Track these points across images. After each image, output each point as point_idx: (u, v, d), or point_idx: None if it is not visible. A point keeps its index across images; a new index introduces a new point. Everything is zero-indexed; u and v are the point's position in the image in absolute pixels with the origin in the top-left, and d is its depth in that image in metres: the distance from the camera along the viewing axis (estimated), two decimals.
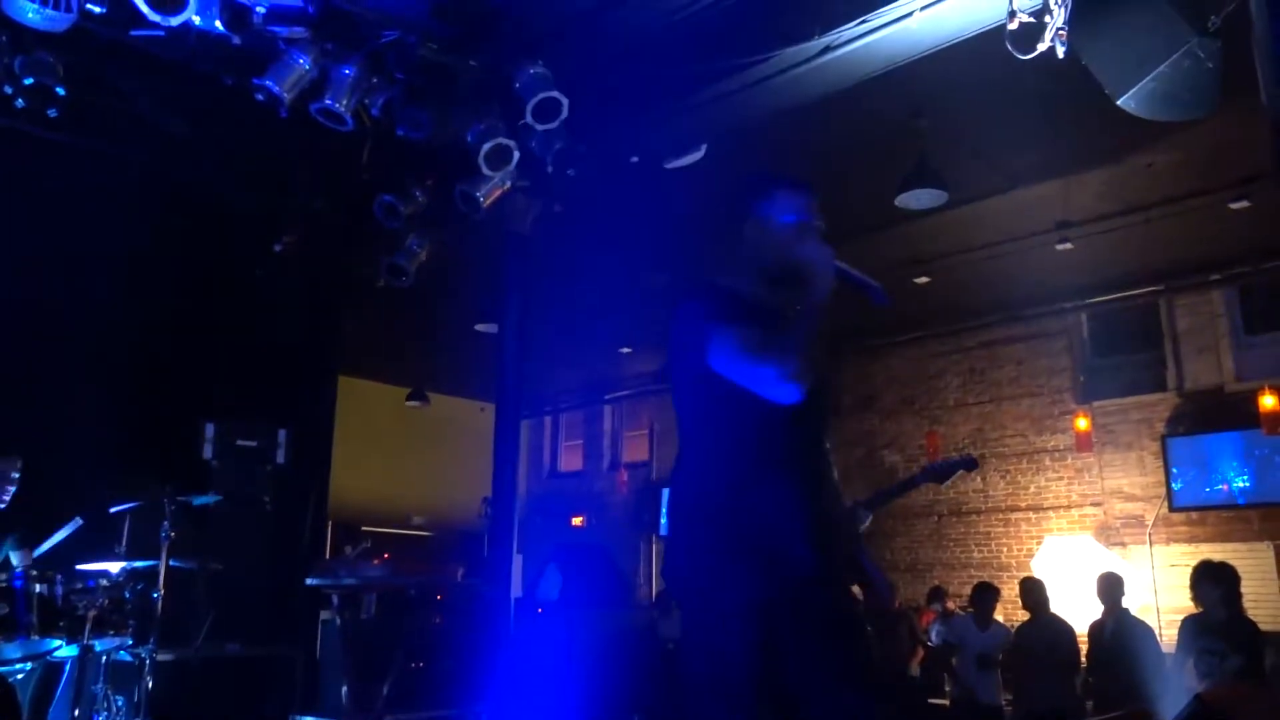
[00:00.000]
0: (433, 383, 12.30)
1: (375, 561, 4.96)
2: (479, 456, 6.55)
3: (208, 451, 5.30)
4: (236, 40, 4.03)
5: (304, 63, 4.22)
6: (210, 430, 5.34)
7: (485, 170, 4.65)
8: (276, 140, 5.17)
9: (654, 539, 12.51)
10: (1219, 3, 3.59)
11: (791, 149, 5.81)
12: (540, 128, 4.48)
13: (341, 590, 4.86)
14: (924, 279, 8.07)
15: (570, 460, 15.24)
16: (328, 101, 4.32)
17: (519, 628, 6.37)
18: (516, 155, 4.65)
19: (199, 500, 4.39)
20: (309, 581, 4.92)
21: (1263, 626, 5.70)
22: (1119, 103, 3.80)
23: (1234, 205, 6.67)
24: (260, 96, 4.24)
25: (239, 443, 5.39)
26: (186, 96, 4.93)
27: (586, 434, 14.86)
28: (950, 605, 8.58)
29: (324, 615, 5.19)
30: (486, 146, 4.57)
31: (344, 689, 4.58)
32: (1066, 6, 3.23)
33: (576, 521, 13.87)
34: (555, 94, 4.35)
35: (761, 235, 2.34)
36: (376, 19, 4.28)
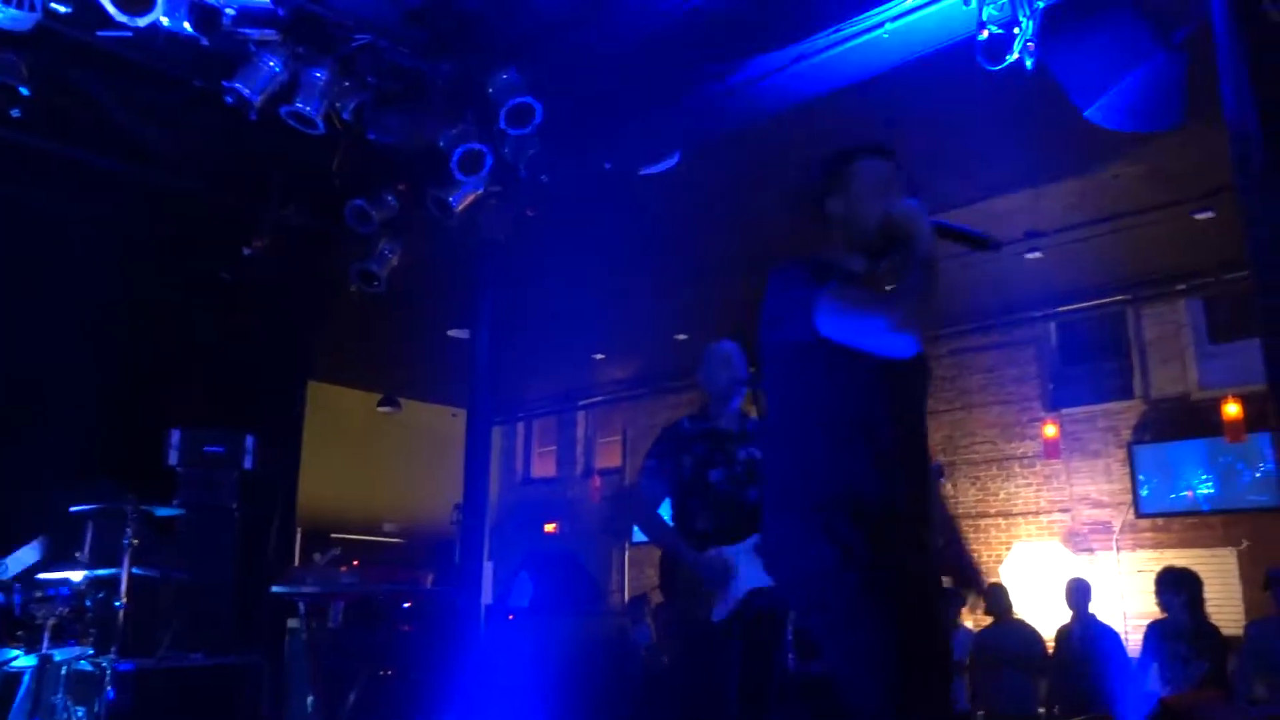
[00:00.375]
0: (404, 388, 12.22)
1: (343, 569, 4.91)
2: (451, 463, 6.52)
3: (173, 458, 5.22)
4: (205, 42, 3.99)
5: (274, 65, 4.19)
6: (176, 437, 5.27)
7: (458, 175, 4.64)
8: (247, 144, 5.12)
9: (626, 546, 12.49)
10: (1184, 18, 3.66)
11: (765, 157, 5.84)
12: (513, 133, 4.48)
13: (308, 598, 4.80)
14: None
15: (543, 466, 15.18)
16: (298, 105, 4.28)
17: (489, 635, 6.34)
18: (489, 161, 4.64)
19: (162, 511, 4.33)
20: (274, 589, 4.86)
21: (1225, 631, 5.78)
22: (1086, 114, 3.85)
23: (1199, 217, 6.77)
24: (230, 99, 4.20)
25: (206, 449, 5.32)
26: (155, 99, 4.88)
27: (559, 440, 14.82)
28: None
29: (291, 624, 5.13)
30: (459, 152, 4.55)
31: (309, 699, 4.52)
32: (1035, 19, 3.27)
33: (549, 528, 13.82)
34: (528, 99, 4.34)
35: (849, 206, 2.27)
36: (348, 23, 4.26)
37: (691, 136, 4.79)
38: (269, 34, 4.13)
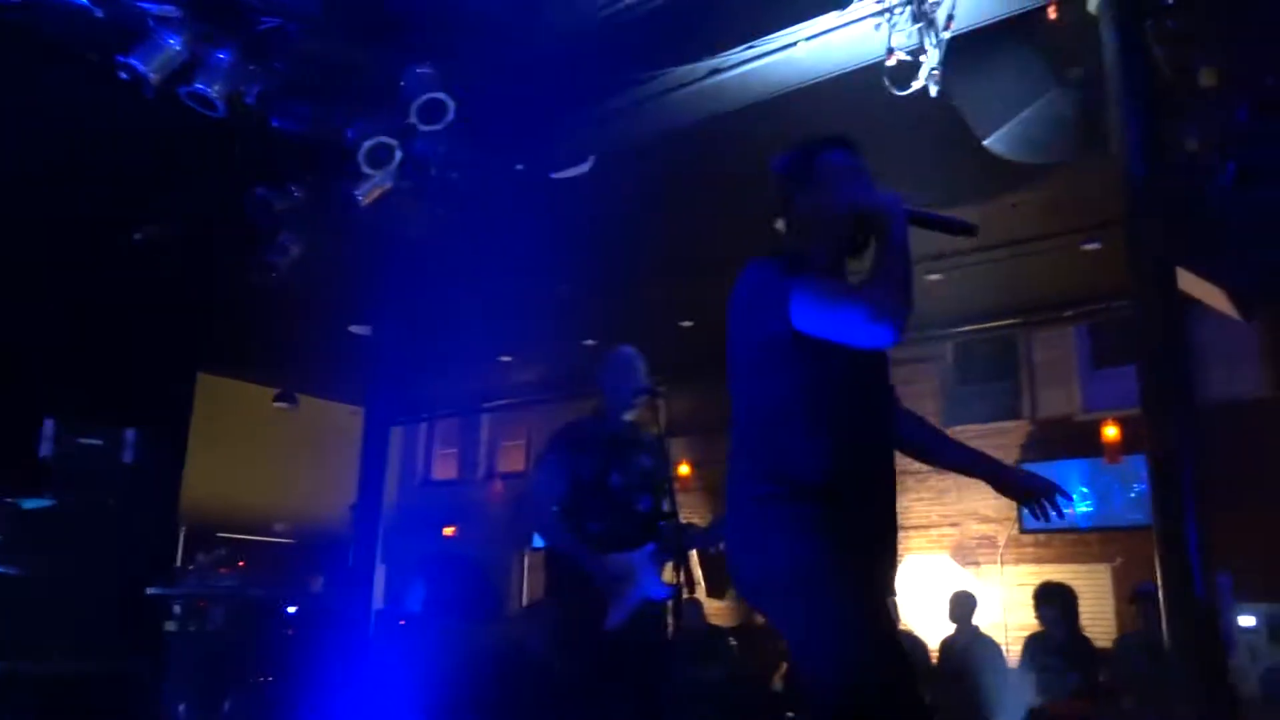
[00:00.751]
0: (302, 384, 11.85)
1: (224, 570, 4.73)
2: (348, 462, 6.37)
3: (46, 450, 4.94)
4: (99, 13, 3.81)
5: (174, 44, 4.01)
6: (49, 427, 4.99)
7: (366, 169, 4.53)
8: (142, 123, 4.89)
9: (527, 551, 12.38)
10: (1079, 55, 3.83)
11: (679, 168, 5.87)
12: (425, 129, 4.39)
13: (186, 600, 4.61)
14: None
15: (444, 469, 14.96)
16: (198, 86, 4.12)
17: (379, 642, 6.19)
18: (399, 156, 4.54)
19: (29, 503, 4.10)
20: (150, 591, 4.65)
21: (1099, 644, 6.05)
22: (985, 143, 4.00)
23: (1087, 247, 7.10)
24: (125, 75, 4.01)
25: (81, 441, 5.05)
26: (42, 73, 4.63)
27: (462, 442, 14.62)
28: None
29: (169, 627, 4.91)
30: (367, 144, 4.45)
31: (181, 706, 4.34)
32: (941, 48, 3.37)
33: (448, 532, 13.61)
34: (441, 96, 4.27)
35: (817, 199, 2.22)
36: (257, 4, 4.12)
37: (605, 143, 4.78)
38: (169, 10, 3.96)
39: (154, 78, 4.00)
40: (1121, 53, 3.43)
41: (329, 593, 5.83)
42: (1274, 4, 3.53)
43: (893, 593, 2.12)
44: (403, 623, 7.20)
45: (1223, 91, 3.51)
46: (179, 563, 6.38)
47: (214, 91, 4.13)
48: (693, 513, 10.90)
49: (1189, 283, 3.41)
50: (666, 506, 3.71)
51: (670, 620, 3.55)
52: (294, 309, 8.46)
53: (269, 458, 12.12)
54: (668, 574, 3.55)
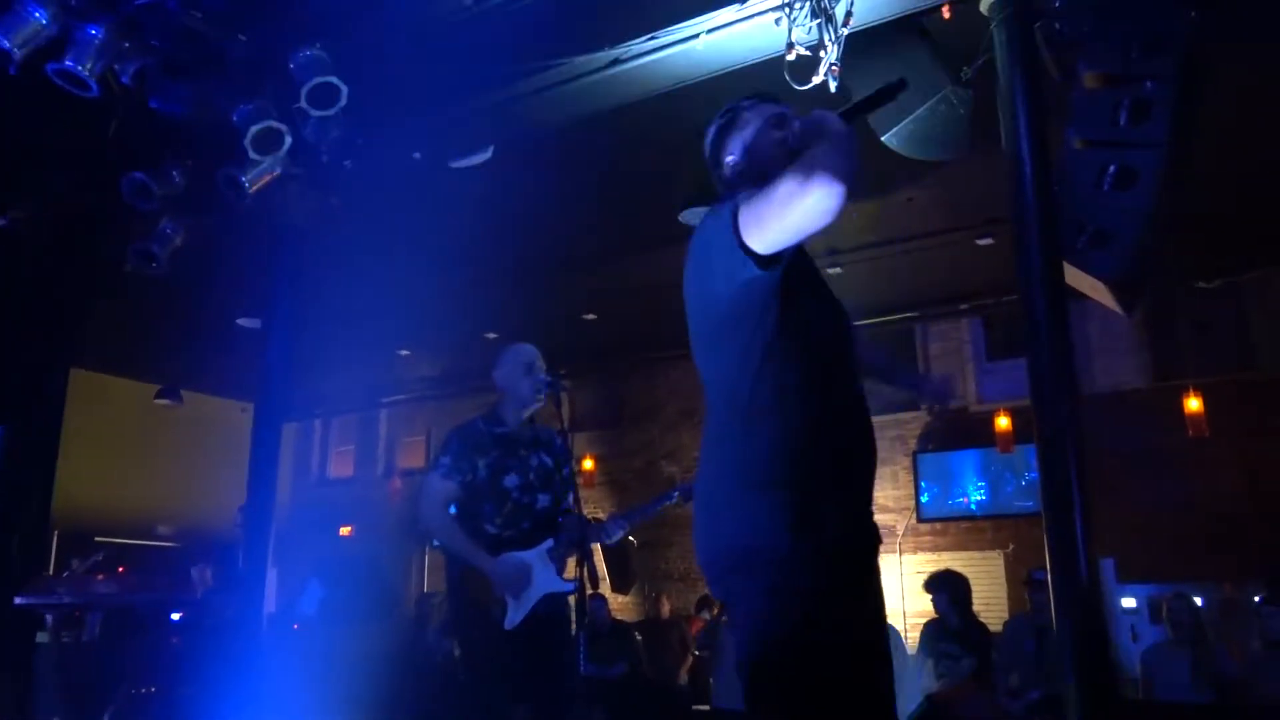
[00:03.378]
0: (187, 380, 11.43)
1: (101, 576, 4.52)
2: (237, 461, 6.14)
3: None
4: None
5: (40, 18, 3.80)
6: None
7: (252, 154, 4.37)
8: (6, 101, 4.63)
9: (427, 550, 12.21)
10: (972, 55, 3.97)
11: (581, 158, 5.87)
12: (316, 114, 4.26)
13: (58, 609, 4.39)
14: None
15: (340, 467, 14.63)
16: (68, 63, 3.91)
17: (271, 646, 6.02)
18: (289, 141, 4.40)
19: None
20: (19, 601, 4.41)
21: (993, 628, 6.30)
22: (882, 139, 4.11)
23: (980, 242, 7.37)
24: None
25: None
26: None
27: (360, 439, 14.33)
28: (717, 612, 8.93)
29: (40, 638, 4.67)
30: (254, 129, 4.29)
31: None
32: (839, 44, 3.45)
33: (344, 531, 13.32)
34: (333, 79, 4.15)
35: (752, 155, 2.13)
36: None
37: (505, 132, 4.74)
38: None
39: (18, 53, 3.79)
40: (1012, 53, 3.57)
41: (218, 598, 5.61)
42: (1153, 11, 3.73)
43: (878, 581, 2.02)
44: (296, 627, 7.01)
45: (1105, 94, 3.68)
46: (51, 570, 6.08)
47: (85, 70, 3.92)
48: (597, 507, 10.93)
49: (1075, 277, 3.57)
50: (570, 503, 3.72)
51: (574, 617, 3.56)
52: (177, 301, 8.14)
53: (151, 457, 11.65)
54: (571, 570, 3.55)
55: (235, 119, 4.34)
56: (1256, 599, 5.47)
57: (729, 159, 2.18)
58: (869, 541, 2.03)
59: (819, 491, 1.88)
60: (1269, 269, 8.29)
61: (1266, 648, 5.22)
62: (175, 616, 5.18)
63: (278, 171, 4.75)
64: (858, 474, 2.01)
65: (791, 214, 1.78)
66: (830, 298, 2.14)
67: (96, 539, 10.25)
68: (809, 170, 1.77)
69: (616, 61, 3.96)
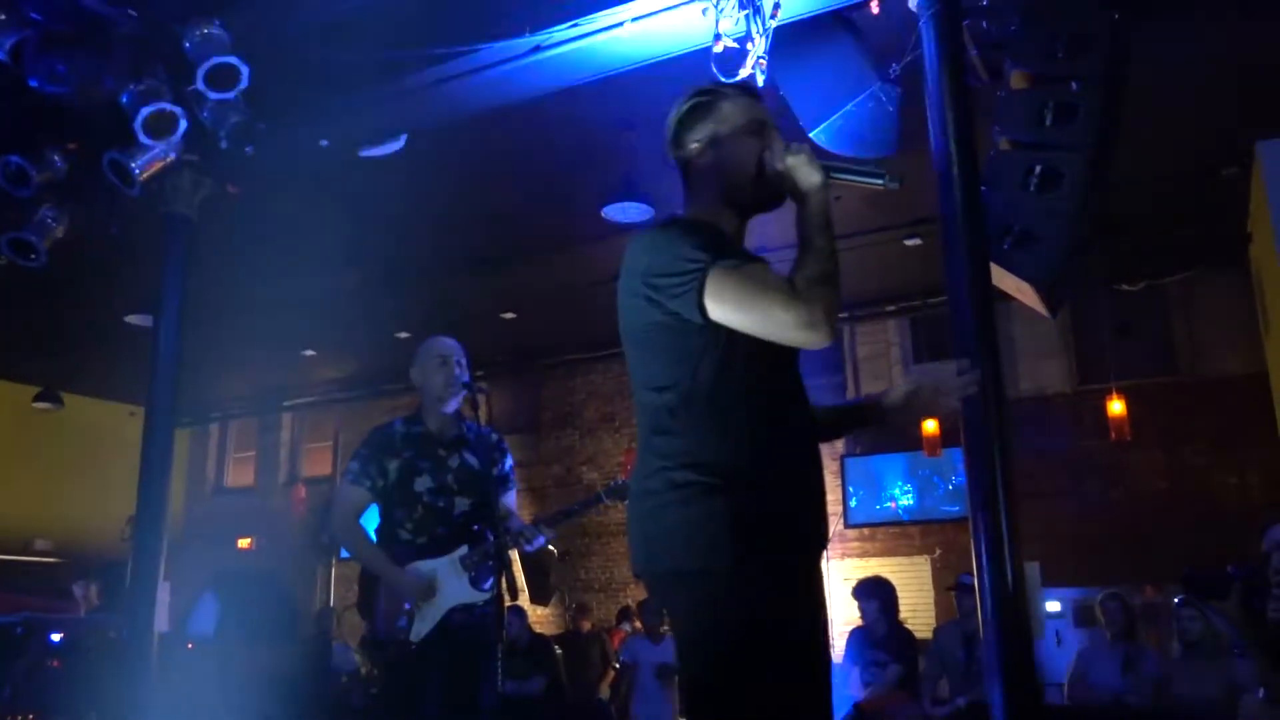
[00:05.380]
0: (69, 382, 11.03)
1: None
2: (126, 469, 5.92)
3: None
4: None
5: None
6: None
7: (143, 139, 4.22)
8: None
9: (334, 562, 11.97)
10: (900, 51, 4.06)
11: (499, 149, 5.83)
12: (214, 96, 4.14)
13: None
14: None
15: (240, 474, 14.25)
16: None
17: (163, 668, 5.82)
18: (184, 125, 4.27)
19: None
20: None
21: (920, 634, 6.46)
22: (810, 135, 4.17)
23: (908, 243, 7.56)
24: None
25: None
26: None
27: (260, 445, 13.98)
28: (638, 624, 8.95)
29: None
30: (146, 111, 4.15)
31: None
32: (768, 37, 3.49)
33: (243, 544, 12.98)
34: (233, 60, 4.04)
35: (720, 152, 2.06)
36: None
37: (419, 120, 4.67)
38: None
39: None
40: (939, 51, 3.66)
41: (104, 617, 5.40)
42: (1077, 12, 3.86)
43: (820, 585, 2.02)
44: (191, 646, 6.80)
45: (1030, 95, 3.81)
46: None
47: None
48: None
49: (1000, 278, 3.68)
50: (508, 504, 3.66)
51: (495, 628, 3.51)
52: (59, 296, 7.84)
53: (29, 465, 11.20)
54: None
55: (124, 100, 4.19)
56: (1176, 600, 5.70)
57: (693, 144, 2.10)
58: (814, 545, 2.01)
59: (764, 493, 1.85)
60: (1190, 272, 8.69)
61: (1185, 648, 5.43)
62: (55, 638, 4.98)
63: (171, 158, 4.61)
64: (803, 475, 1.98)
65: (767, 327, 1.84)
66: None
67: None
68: (808, 312, 1.81)
69: (538, 49, 3.94)
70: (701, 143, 2.09)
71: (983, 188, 3.58)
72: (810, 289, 1.85)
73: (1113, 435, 8.30)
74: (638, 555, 1.95)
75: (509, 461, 3.76)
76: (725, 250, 1.92)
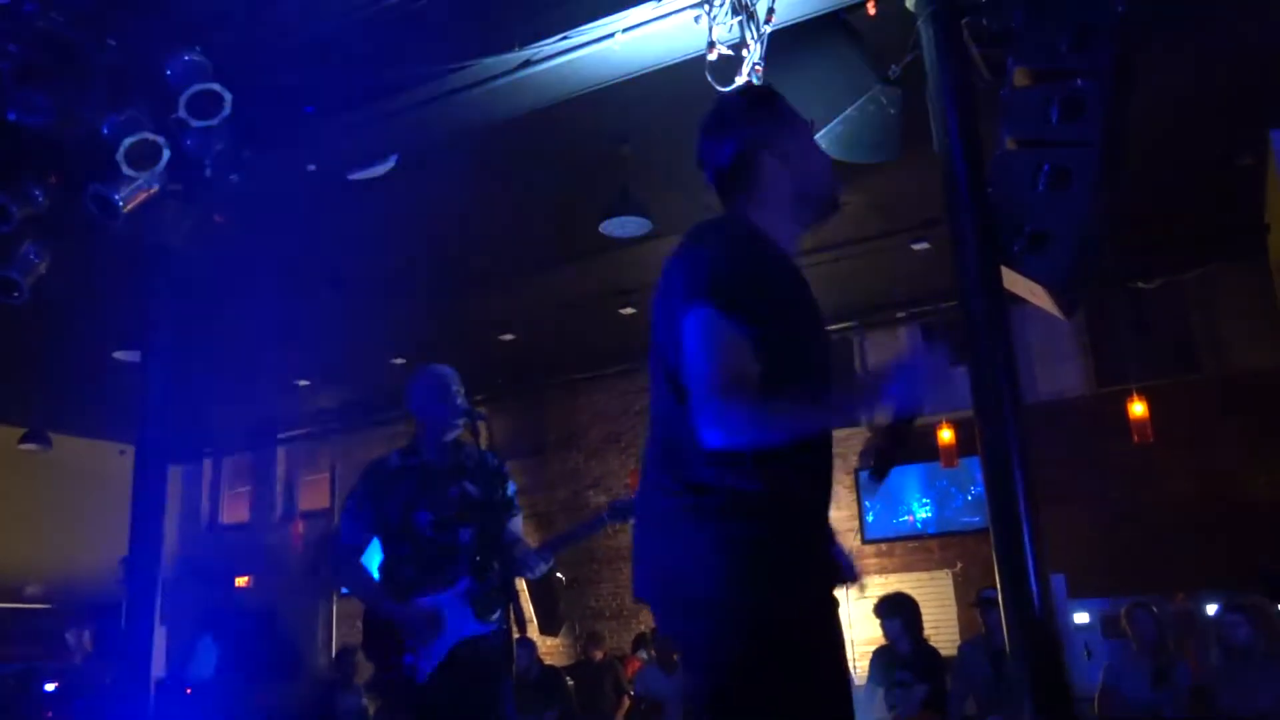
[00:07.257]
0: (57, 421, 11.03)
1: None
2: (117, 510, 5.92)
3: None
4: None
5: None
6: None
7: (126, 170, 4.25)
8: None
9: (335, 598, 11.94)
10: (899, 52, 4.07)
11: (492, 166, 5.85)
12: (197, 124, 4.18)
13: None
14: (630, 310, 8.38)
15: (235, 511, 14.23)
16: None
17: (161, 714, 5.81)
18: (167, 154, 4.29)
19: None
20: None
21: (944, 650, 6.42)
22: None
23: (916, 247, 7.56)
24: None
25: None
26: None
27: (255, 480, 13.96)
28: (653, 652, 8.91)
29: None
30: (128, 142, 4.18)
31: None
32: (762, 42, 3.51)
33: (241, 582, 12.95)
34: (215, 86, 4.07)
35: (790, 162, 2.05)
36: None
37: (409, 140, 4.70)
38: None
39: None
40: (940, 50, 3.67)
41: (99, 664, 5.39)
42: (1081, 5, 3.87)
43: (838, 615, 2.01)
44: (190, 691, 6.79)
45: (1035, 91, 3.81)
46: None
47: None
48: None
49: (1013, 281, 3.67)
50: (514, 531, 3.65)
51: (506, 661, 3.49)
52: (44, 333, 7.86)
53: (17, 509, 11.18)
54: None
55: (105, 131, 4.22)
56: (1214, 607, 5.60)
57: (759, 167, 2.06)
58: (831, 573, 2.01)
59: (781, 520, 1.84)
60: (1208, 267, 8.67)
61: (1229, 657, 5.27)
62: (49, 687, 4.97)
63: (155, 188, 4.63)
64: (823, 501, 1.97)
65: (695, 387, 1.78)
66: (811, 312, 2.07)
67: None
68: (743, 417, 1.75)
69: (528, 63, 3.97)
70: (777, 150, 2.07)
71: (990, 189, 3.59)
72: (770, 409, 1.78)
73: (1135, 438, 8.26)
74: (642, 579, 1.94)
75: (511, 487, 3.75)
76: (748, 289, 1.85)
